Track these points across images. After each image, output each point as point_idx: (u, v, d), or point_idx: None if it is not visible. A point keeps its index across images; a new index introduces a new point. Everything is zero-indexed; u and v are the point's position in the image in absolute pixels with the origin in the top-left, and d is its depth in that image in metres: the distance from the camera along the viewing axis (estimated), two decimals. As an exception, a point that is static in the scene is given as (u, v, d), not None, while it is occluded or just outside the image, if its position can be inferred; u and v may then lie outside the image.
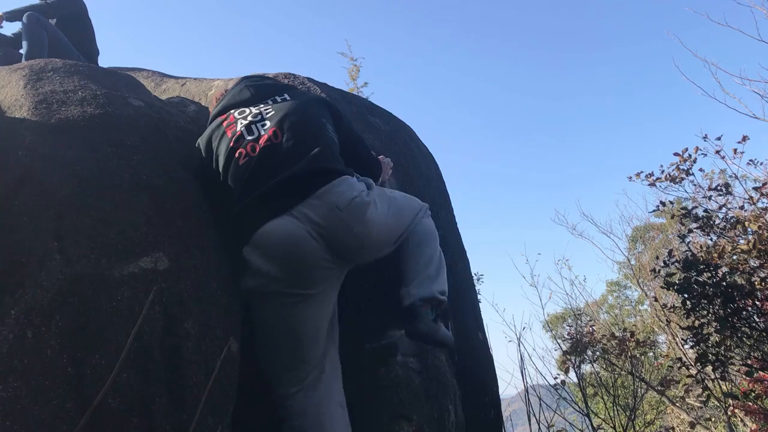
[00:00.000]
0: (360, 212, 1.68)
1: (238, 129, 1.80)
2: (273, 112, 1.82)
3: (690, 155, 4.64)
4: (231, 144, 1.77)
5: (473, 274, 3.39)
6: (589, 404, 5.88)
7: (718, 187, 4.39)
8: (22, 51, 3.69)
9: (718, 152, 4.80)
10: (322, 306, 1.71)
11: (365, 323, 2.07)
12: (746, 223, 3.90)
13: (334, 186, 1.69)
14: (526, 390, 4.96)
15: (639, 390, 6.02)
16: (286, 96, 1.92)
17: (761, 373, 4.01)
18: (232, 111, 1.90)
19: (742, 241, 3.93)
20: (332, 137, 1.84)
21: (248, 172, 1.71)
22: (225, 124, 1.86)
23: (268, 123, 1.79)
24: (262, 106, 1.87)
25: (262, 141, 1.74)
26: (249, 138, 1.76)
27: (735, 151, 4.79)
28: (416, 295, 1.78)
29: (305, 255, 1.64)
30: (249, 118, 1.82)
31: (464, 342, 2.61)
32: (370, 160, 2.10)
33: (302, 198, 1.65)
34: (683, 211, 4.25)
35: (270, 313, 1.70)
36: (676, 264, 4.09)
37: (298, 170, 1.68)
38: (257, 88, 1.95)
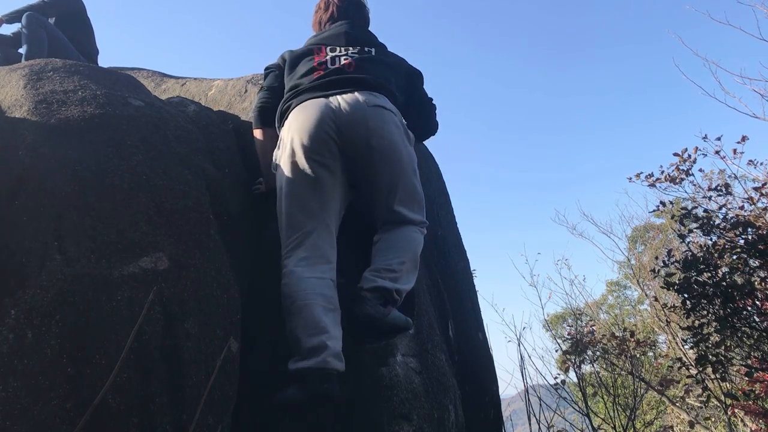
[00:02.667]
0: (383, 119, 1.95)
1: (325, 58, 2.14)
2: (357, 56, 2.14)
3: (690, 155, 4.64)
4: (314, 65, 2.11)
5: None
6: (589, 404, 5.87)
7: (718, 188, 4.39)
8: (22, 51, 3.69)
9: (717, 152, 4.80)
10: (331, 183, 1.92)
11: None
12: (751, 219, 3.89)
13: (375, 96, 1.99)
14: (526, 390, 4.95)
15: (639, 390, 6.02)
16: (372, 51, 2.22)
17: (761, 373, 4.01)
18: (326, 45, 2.21)
19: (741, 241, 3.93)
20: (393, 92, 2.11)
21: (314, 79, 2.04)
22: (315, 51, 2.18)
23: (350, 59, 2.12)
24: (351, 48, 2.19)
25: (336, 64, 2.10)
26: (330, 66, 2.10)
27: (734, 151, 4.79)
28: (375, 282, 1.82)
29: (319, 125, 1.89)
30: (337, 52, 2.16)
31: (464, 342, 2.61)
32: (434, 122, 2.41)
33: (343, 90, 1.97)
34: (683, 212, 4.24)
35: (291, 177, 1.91)
36: (676, 264, 4.09)
37: (366, 79, 2.03)
38: (354, 34, 2.25)
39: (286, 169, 1.93)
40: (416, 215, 2.04)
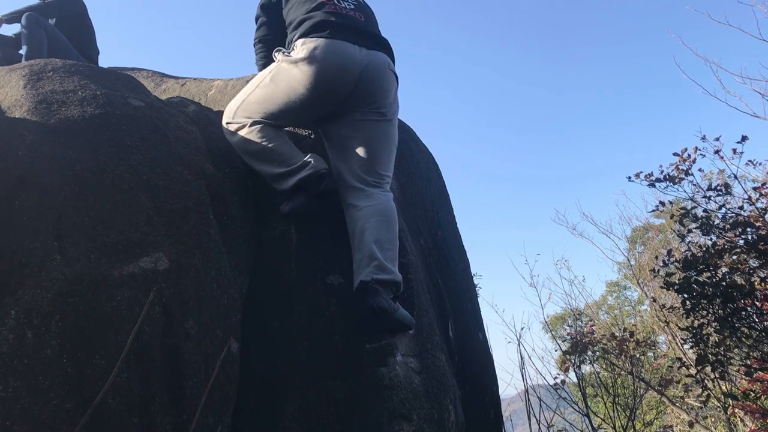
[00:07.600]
0: (393, 83, 2.11)
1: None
2: (355, 3, 2.25)
3: (689, 155, 4.62)
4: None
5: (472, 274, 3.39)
6: (589, 404, 5.87)
7: (718, 188, 4.38)
8: (22, 52, 3.69)
9: (717, 152, 4.79)
10: (312, 117, 2.15)
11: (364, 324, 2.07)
12: (750, 219, 3.88)
13: (389, 61, 2.13)
14: (526, 390, 4.95)
15: (639, 390, 6.02)
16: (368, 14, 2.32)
17: (761, 373, 4.01)
18: None
19: (741, 242, 3.93)
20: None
21: (332, 11, 2.09)
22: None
23: (352, 6, 2.22)
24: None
25: (348, 11, 2.17)
26: (338, 3, 2.17)
27: (734, 151, 4.77)
28: (382, 274, 1.80)
29: (346, 76, 1.98)
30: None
31: (464, 342, 2.61)
32: None
33: (370, 47, 2.05)
34: (682, 212, 4.24)
35: (289, 95, 2.03)
36: (676, 264, 4.09)
37: (380, 37, 2.16)
38: None
39: (289, 83, 2.02)
40: (389, 174, 2.14)
